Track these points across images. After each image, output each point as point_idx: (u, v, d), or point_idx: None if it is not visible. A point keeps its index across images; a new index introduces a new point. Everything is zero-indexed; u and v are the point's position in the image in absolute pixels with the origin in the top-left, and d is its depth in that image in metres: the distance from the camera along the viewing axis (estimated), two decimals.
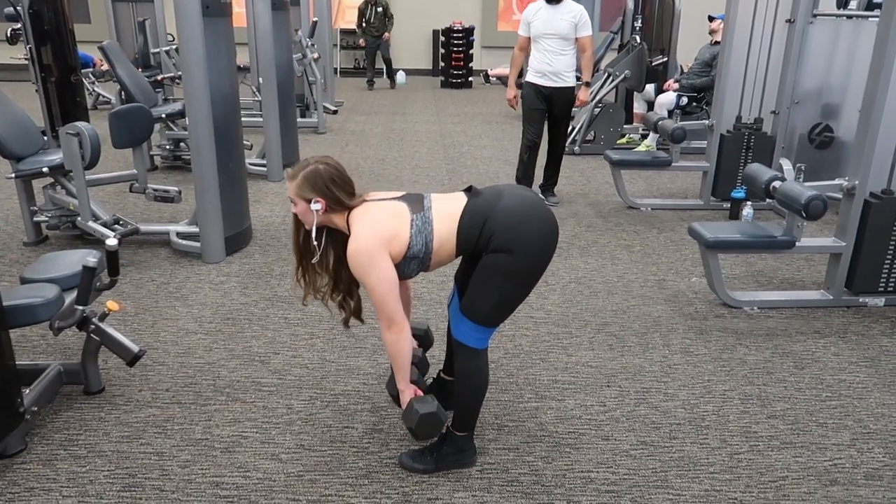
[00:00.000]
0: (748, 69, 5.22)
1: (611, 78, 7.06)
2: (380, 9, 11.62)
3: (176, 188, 4.54)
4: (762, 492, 2.30)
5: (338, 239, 2.22)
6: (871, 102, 3.41)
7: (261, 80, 5.89)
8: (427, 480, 2.32)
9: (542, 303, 3.64)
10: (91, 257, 2.54)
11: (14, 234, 4.54)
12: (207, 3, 3.80)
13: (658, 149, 6.68)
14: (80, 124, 3.92)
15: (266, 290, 3.75)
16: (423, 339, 2.60)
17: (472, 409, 2.33)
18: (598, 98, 7.00)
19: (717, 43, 6.76)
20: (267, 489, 2.27)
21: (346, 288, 2.30)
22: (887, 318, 3.54)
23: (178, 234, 4.30)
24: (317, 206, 2.11)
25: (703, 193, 5.39)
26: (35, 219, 4.34)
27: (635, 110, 7.75)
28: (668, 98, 7.02)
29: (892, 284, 3.58)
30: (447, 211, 2.15)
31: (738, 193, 4.98)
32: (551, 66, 4.97)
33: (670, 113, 6.85)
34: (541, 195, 5.28)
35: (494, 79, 11.92)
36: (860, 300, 3.63)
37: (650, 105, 7.48)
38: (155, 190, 4.53)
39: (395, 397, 2.34)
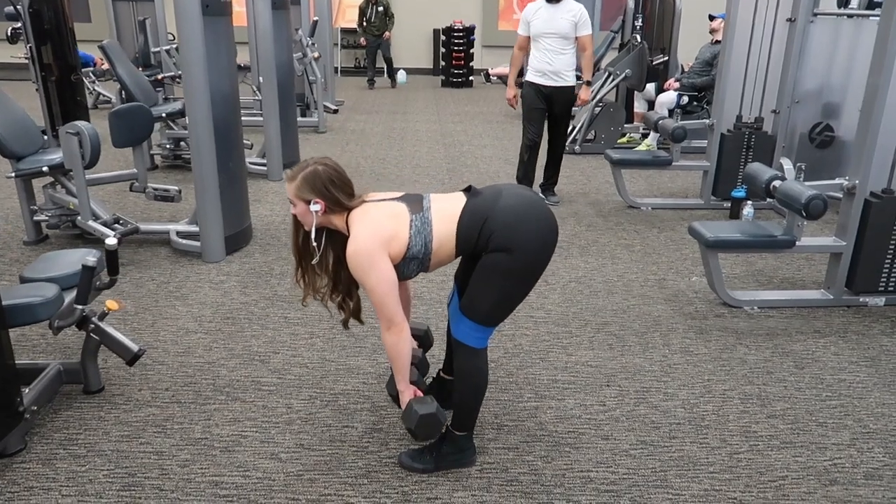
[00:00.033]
0: (749, 68, 5.22)
1: (611, 77, 7.05)
2: (380, 8, 11.62)
3: (176, 187, 4.54)
4: (762, 491, 2.29)
5: (337, 240, 2.22)
6: (872, 102, 3.41)
7: (261, 79, 5.89)
8: (426, 480, 2.32)
9: (542, 302, 3.64)
10: (90, 256, 2.54)
11: (14, 233, 4.54)
12: (207, 2, 3.80)
13: (658, 148, 6.68)
14: (80, 123, 3.92)
15: (266, 289, 3.75)
16: (423, 339, 2.60)
17: (472, 408, 2.33)
18: (598, 97, 7.00)
19: (717, 42, 6.75)
20: (266, 488, 2.27)
21: (345, 289, 2.30)
22: (887, 317, 3.53)
23: (178, 234, 4.31)
24: (316, 207, 2.11)
25: (704, 193, 5.39)
26: (35, 218, 4.35)
27: (636, 109, 7.74)
28: (668, 97, 7.02)
29: (893, 284, 3.57)
30: (446, 211, 2.14)
31: (739, 193, 4.97)
32: (551, 66, 4.97)
33: (671, 112, 6.84)
34: (541, 194, 5.29)
35: (495, 78, 11.92)
36: (860, 300, 3.63)
37: (651, 104, 7.47)
38: (155, 189, 4.54)
39: (395, 398, 2.34)
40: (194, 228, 4.24)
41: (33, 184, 4.36)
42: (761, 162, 4.15)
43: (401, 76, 12.66)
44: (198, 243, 4.15)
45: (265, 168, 6.01)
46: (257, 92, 7.63)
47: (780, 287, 3.93)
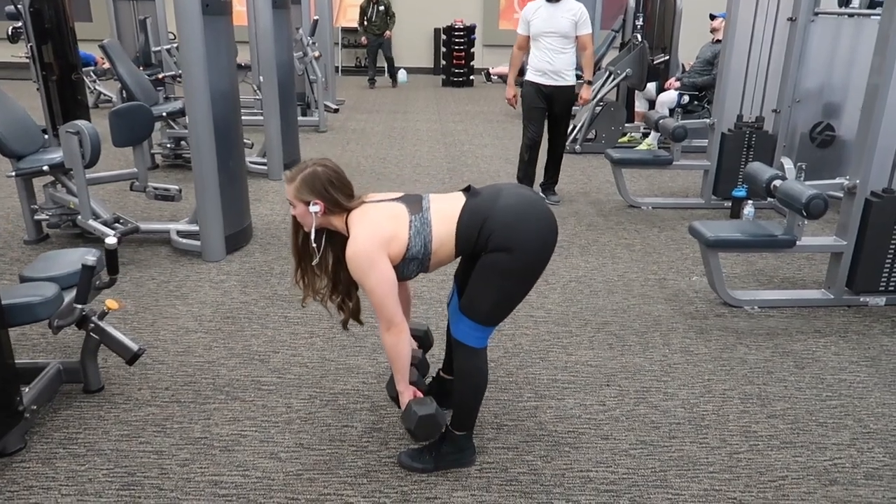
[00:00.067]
0: (749, 67, 5.21)
1: (612, 76, 7.05)
2: (381, 7, 11.62)
3: (176, 187, 4.54)
4: (761, 491, 2.29)
5: (337, 241, 2.22)
6: (873, 101, 3.41)
7: (262, 78, 5.88)
8: (426, 479, 2.32)
9: (543, 302, 3.64)
10: (90, 256, 2.55)
11: (14, 232, 4.54)
12: (207, 1, 3.80)
13: (659, 147, 6.67)
14: (81, 123, 3.92)
15: (266, 288, 3.75)
16: (423, 340, 2.60)
17: (472, 408, 2.33)
18: (599, 97, 6.99)
19: (718, 41, 6.75)
20: (266, 488, 2.27)
21: (345, 290, 2.30)
22: (888, 317, 3.53)
23: (179, 233, 4.31)
24: (315, 208, 2.11)
25: (704, 192, 5.39)
26: (35, 217, 4.35)
27: (636, 109, 7.74)
28: (669, 96, 7.01)
29: (893, 284, 3.57)
30: (446, 211, 2.14)
31: (739, 192, 4.97)
32: (552, 65, 4.97)
33: (671, 111, 6.84)
34: (542, 194, 5.29)
35: (496, 77, 11.92)
36: (861, 299, 3.63)
37: (651, 103, 7.47)
38: (155, 188, 4.54)
39: (395, 399, 2.34)
40: (194, 228, 4.24)
41: (34, 183, 4.36)
42: (762, 161, 4.14)
43: (401, 75, 12.66)
44: (198, 242, 4.15)
45: (266, 167, 6.00)
46: (258, 91, 7.63)
47: (780, 287, 3.92)
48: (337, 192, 2.12)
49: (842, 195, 3.58)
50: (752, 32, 5.16)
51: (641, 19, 7.67)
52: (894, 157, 3.48)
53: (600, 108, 7.07)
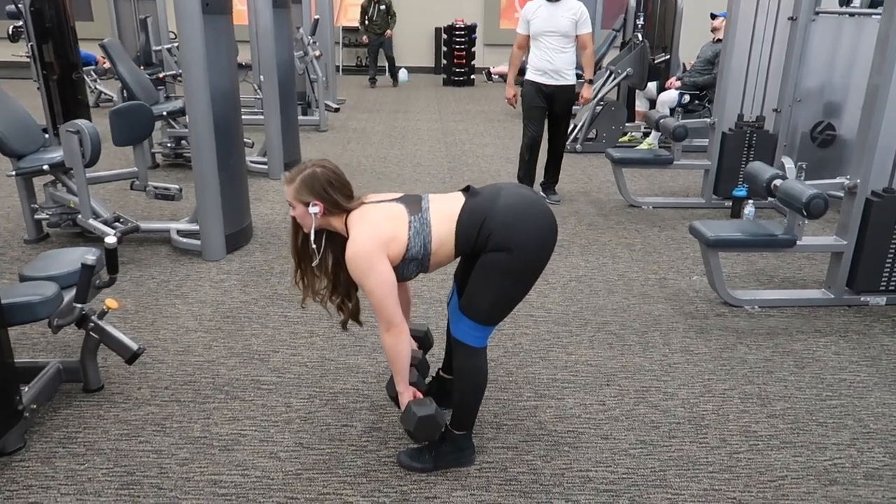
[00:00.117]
0: (750, 67, 5.21)
1: (613, 76, 7.04)
2: (382, 6, 11.62)
3: (176, 186, 4.55)
4: (761, 491, 2.29)
5: (336, 242, 2.22)
6: (873, 100, 3.40)
7: (262, 77, 5.88)
8: (425, 479, 2.31)
9: (543, 301, 3.63)
10: (90, 255, 2.55)
11: (15, 231, 4.55)
12: (207, 0, 3.80)
13: (660, 147, 6.67)
14: (81, 122, 3.93)
15: (266, 288, 3.75)
16: (423, 340, 2.59)
17: (471, 407, 2.32)
18: (599, 96, 6.99)
19: (719, 41, 6.74)
20: (265, 487, 2.27)
21: (344, 290, 2.30)
22: (888, 317, 3.52)
23: (179, 232, 4.31)
24: (315, 209, 2.11)
25: (705, 192, 5.38)
26: (36, 216, 4.35)
27: (637, 108, 7.74)
28: (669, 96, 7.01)
29: (894, 283, 3.56)
30: (445, 211, 2.14)
31: (740, 192, 4.97)
32: (552, 64, 4.96)
33: (672, 111, 6.83)
34: (542, 193, 5.28)
35: (496, 76, 11.92)
36: (861, 299, 3.62)
37: (652, 103, 7.46)
38: (155, 188, 4.54)
39: (395, 399, 2.34)
40: (195, 227, 4.24)
41: (34, 182, 4.36)
42: (762, 161, 4.13)
43: (402, 75, 12.65)
44: (198, 242, 4.15)
45: (266, 167, 6.00)
46: (258, 90, 7.63)
47: (780, 286, 3.92)
48: (336, 193, 2.12)
49: (842, 195, 3.57)
50: (752, 32, 5.15)
51: (642, 18, 7.66)
52: (895, 156, 3.47)
53: (601, 107, 7.07)
